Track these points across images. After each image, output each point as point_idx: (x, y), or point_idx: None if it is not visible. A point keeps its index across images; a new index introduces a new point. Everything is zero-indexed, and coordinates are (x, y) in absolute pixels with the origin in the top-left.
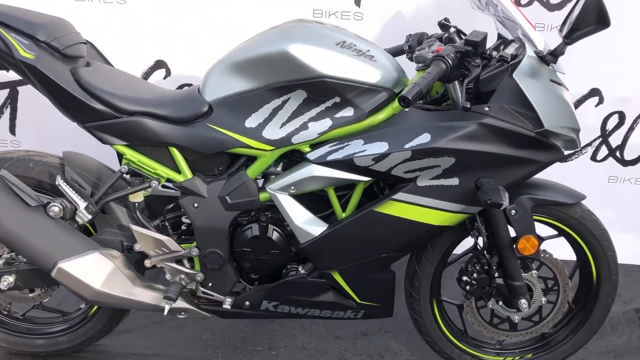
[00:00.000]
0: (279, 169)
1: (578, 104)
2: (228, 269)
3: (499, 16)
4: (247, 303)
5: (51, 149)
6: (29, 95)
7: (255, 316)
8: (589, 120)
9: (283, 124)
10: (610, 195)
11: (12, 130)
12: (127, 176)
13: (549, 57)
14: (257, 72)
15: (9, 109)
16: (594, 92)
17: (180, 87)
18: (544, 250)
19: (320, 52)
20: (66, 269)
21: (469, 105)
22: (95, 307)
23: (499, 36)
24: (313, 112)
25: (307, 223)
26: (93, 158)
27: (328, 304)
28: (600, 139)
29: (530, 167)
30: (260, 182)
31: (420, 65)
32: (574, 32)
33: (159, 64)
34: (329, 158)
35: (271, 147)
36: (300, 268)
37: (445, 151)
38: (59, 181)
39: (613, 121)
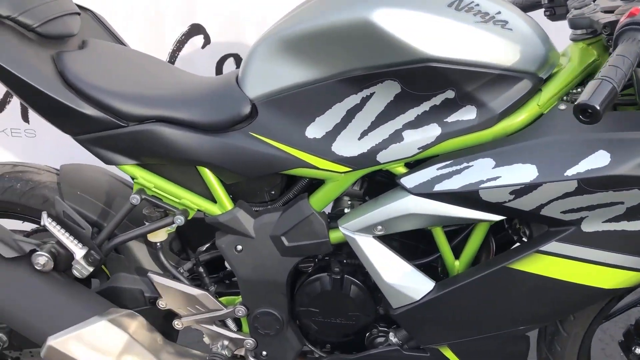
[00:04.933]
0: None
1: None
2: (289, 334)
3: None
4: None
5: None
6: None
7: None
8: None
9: (364, 134)
10: None
11: (25, 116)
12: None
13: None
14: (321, 54)
15: None
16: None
17: (222, 60)
18: None
19: (424, 20)
20: (59, 348)
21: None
22: None
23: None
24: (411, 114)
25: (404, 280)
26: (104, 170)
27: None
28: None
29: None
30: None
31: (578, 33)
32: None
33: (196, 29)
34: (437, 188)
35: (346, 168)
36: (391, 335)
37: (638, 181)
38: (45, 221)
39: None
